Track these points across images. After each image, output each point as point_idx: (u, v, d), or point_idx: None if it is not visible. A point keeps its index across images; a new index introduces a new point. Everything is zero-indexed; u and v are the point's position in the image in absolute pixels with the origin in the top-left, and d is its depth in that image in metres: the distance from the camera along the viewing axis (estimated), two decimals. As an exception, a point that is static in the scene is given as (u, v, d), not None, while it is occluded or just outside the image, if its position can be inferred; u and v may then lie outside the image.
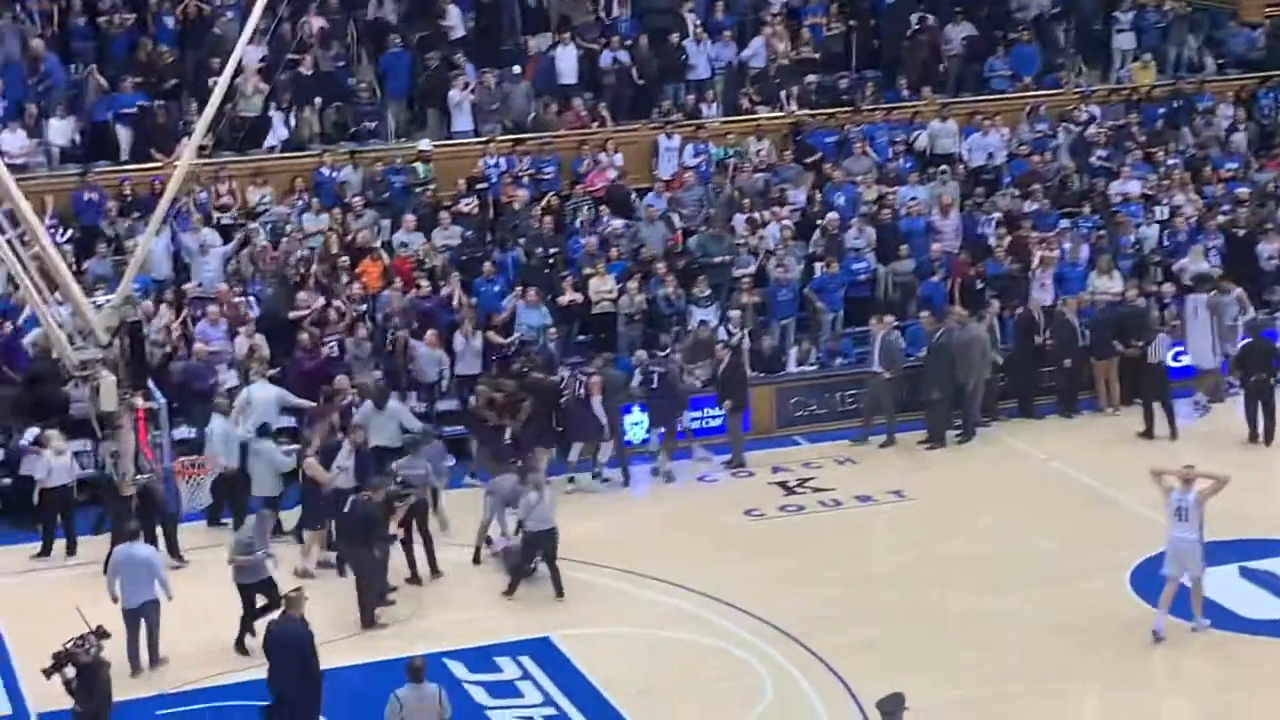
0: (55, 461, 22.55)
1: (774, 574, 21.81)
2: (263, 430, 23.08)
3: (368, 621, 20.36)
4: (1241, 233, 29.72)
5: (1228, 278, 27.90)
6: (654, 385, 25.11)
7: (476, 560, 22.10)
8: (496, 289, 27.12)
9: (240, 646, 19.71)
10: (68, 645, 16.56)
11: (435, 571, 21.85)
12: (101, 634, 16.73)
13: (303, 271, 26.72)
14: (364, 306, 26.37)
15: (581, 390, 24.62)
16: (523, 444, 23.59)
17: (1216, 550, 21.14)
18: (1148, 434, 26.00)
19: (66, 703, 16.73)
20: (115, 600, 19.35)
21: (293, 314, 25.78)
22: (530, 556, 21.25)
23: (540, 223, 28.34)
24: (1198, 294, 27.34)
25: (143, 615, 19.41)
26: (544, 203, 29.06)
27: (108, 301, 22.76)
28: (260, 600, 19.64)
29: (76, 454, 23.84)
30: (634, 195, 29.72)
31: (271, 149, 29.59)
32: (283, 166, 29.14)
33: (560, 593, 21.05)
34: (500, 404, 24.02)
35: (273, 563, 20.24)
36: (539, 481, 21.46)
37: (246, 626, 19.74)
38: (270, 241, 27.39)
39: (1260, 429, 25.67)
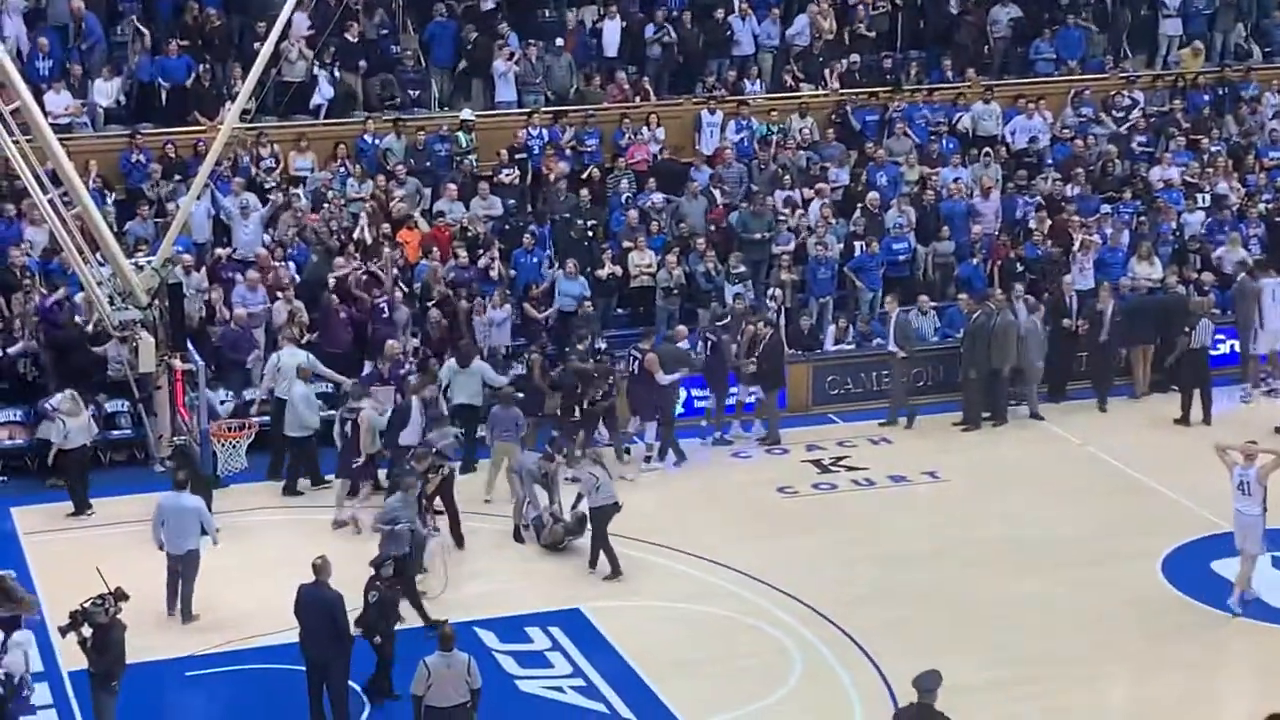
0: (72, 424, 22.62)
1: (806, 551, 21.84)
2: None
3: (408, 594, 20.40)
4: (1283, 222, 29.62)
5: (1270, 265, 27.78)
6: (709, 353, 25.15)
7: (518, 538, 22.11)
8: (535, 260, 27.18)
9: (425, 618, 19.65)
10: (85, 604, 16.66)
11: (459, 544, 21.90)
12: (120, 595, 16.82)
13: (343, 238, 26.82)
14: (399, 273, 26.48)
15: (636, 367, 24.67)
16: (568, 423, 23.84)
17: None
18: (1184, 420, 25.95)
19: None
20: (161, 547, 19.65)
21: (333, 276, 25.87)
22: (589, 529, 21.27)
23: (580, 195, 28.38)
24: (1272, 278, 27.21)
25: (182, 563, 19.73)
26: (585, 174, 29.12)
27: (149, 263, 22.99)
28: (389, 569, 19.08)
29: (110, 415, 24.07)
30: (690, 169, 29.72)
31: (318, 108, 29.63)
32: (326, 133, 29.20)
33: (594, 565, 21.15)
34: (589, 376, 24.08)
35: (425, 533, 20.57)
36: (599, 457, 21.79)
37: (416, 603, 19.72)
38: (311, 207, 27.48)
39: None
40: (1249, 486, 19.87)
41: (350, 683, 17.61)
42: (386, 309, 25.53)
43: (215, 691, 18.63)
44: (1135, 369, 27.24)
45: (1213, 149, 31.58)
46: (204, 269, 26.00)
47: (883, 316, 27.05)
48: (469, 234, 27.33)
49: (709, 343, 25.23)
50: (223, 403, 24.33)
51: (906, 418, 25.96)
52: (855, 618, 19.84)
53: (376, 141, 29.07)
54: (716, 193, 29.27)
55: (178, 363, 23.12)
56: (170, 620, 19.72)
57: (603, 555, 21.12)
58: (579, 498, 21.54)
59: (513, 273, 27.01)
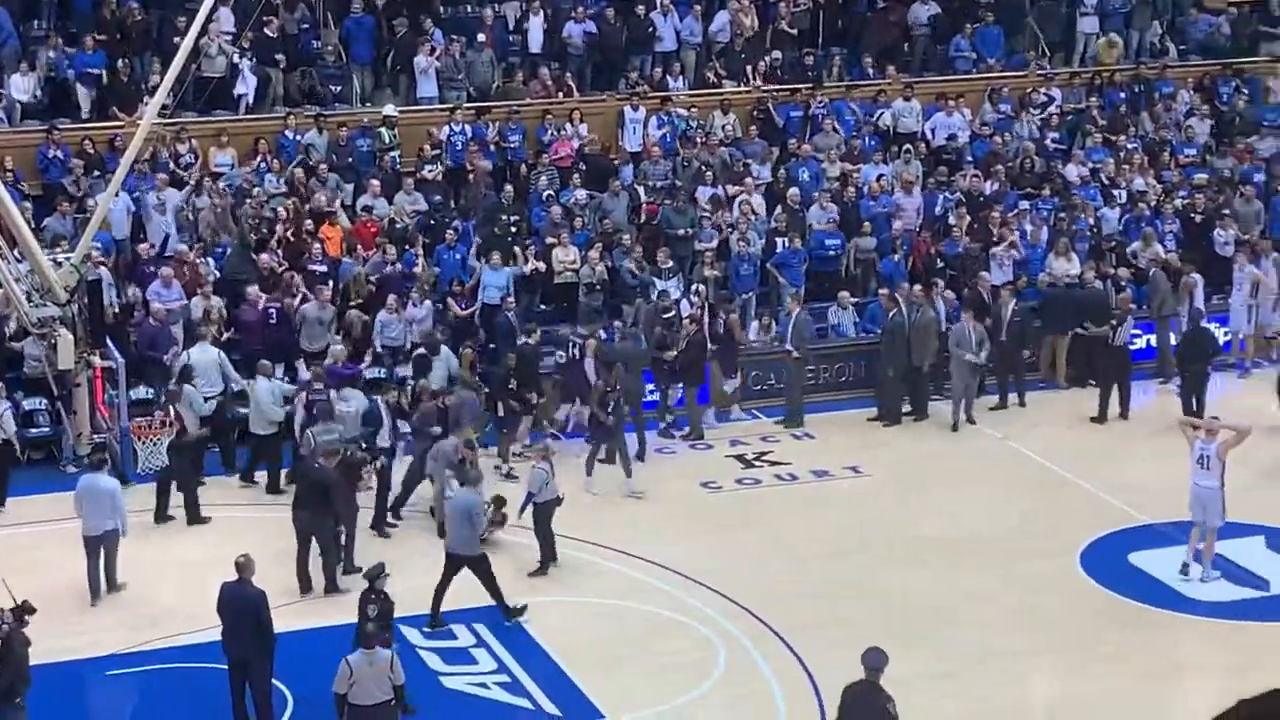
0: None
1: (729, 547, 21.91)
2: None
3: (330, 587, 20.36)
4: (1198, 218, 29.95)
5: (1185, 260, 28.16)
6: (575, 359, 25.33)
7: (442, 534, 22.03)
8: (459, 256, 27.13)
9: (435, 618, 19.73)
10: None
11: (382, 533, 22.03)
12: (25, 609, 16.62)
13: (264, 233, 26.69)
14: (325, 269, 26.38)
15: (577, 351, 24.74)
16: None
17: (1164, 531, 21.51)
18: (1100, 418, 26.12)
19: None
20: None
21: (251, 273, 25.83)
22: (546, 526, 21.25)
23: (503, 191, 28.37)
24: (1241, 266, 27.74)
25: (102, 543, 19.83)
26: (509, 171, 29.16)
27: (67, 259, 22.78)
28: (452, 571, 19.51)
29: (29, 413, 23.85)
30: (614, 165, 29.77)
31: (240, 98, 29.44)
32: (246, 128, 29.05)
33: (555, 559, 21.15)
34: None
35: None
36: (547, 452, 21.73)
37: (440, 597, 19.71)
38: (232, 203, 27.33)
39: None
40: (1208, 461, 20.52)
41: (275, 681, 17.54)
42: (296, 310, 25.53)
43: (137, 691, 18.49)
44: (1055, 361, 27.49)
45: (1129, 146, 31.91)
46: (121, 266, 25.81)
47: (821, 312, 27.24)
48: (397, 228, 27.28)
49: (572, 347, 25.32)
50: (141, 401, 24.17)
51: (790, 414, 25.95)
52: (779, 612, 19.92)
53: (298, 137, 28.93)
54: (641, 189, 29.32)
55: (97, 360, 22.95)
56: (90, 618, 19.57)
57: (541, 549, 21.12)
58: (528, 496, 21.31)
59: (436, 269, 26.97)
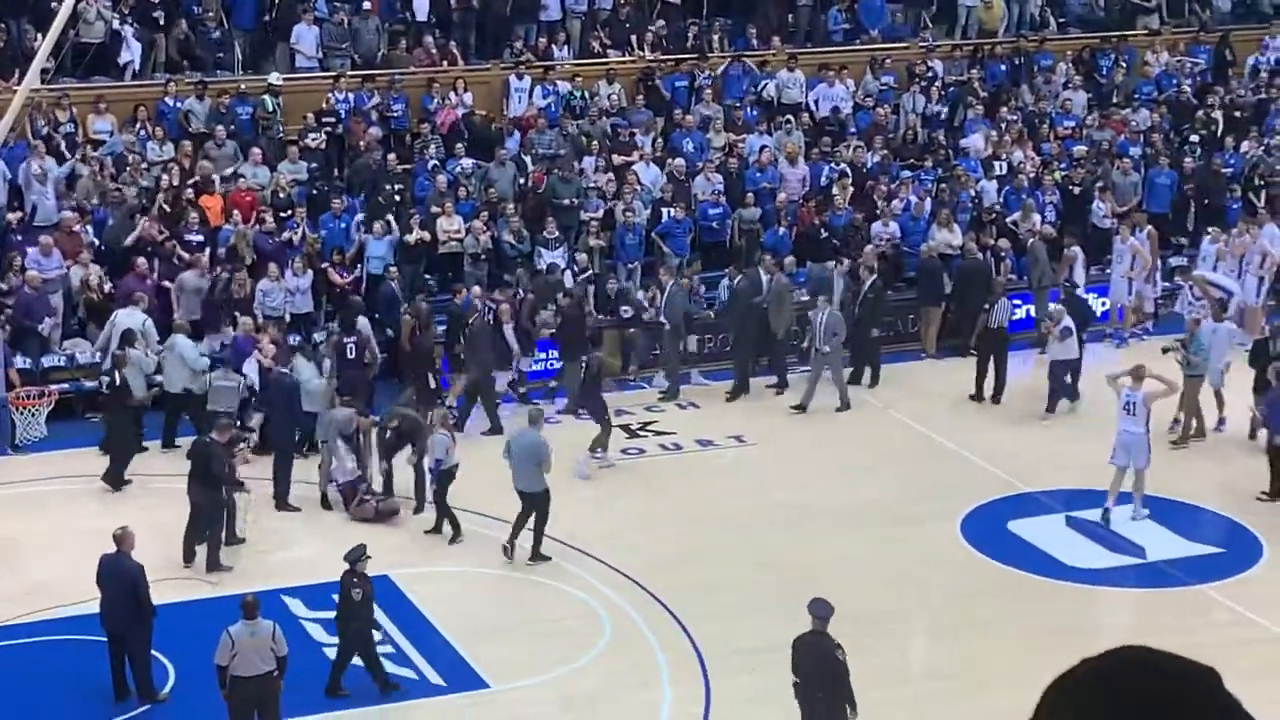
0: None
1: (615, 516, 22.00)
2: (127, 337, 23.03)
3: (212, 564, 20.20)
4: (1077, 190, 30.34)
5: (1066, 233, 28.53)
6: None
7: (325, 504, 21.97)
8: (343, 226, 26.99)
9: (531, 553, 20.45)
10: None
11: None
12: None
13: (144, 202, 26.41)
14: (202, 239, 26.16)
15: (490, 317, 24.71)
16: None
17: (1042, 499, 21.83)
18: (978, 396, 26.06)
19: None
20: None
21: (128, 241, 25.52)
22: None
23: (387, 160, 28.22)
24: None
25: None
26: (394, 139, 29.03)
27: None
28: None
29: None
30: (500, 130, 29.67)
31: (126, 65, 29.05)
32: (126, 95, 28.68)
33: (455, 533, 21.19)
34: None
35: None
36: (447, 419, 21.78)
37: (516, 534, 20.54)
38: (113, 170, 27.00)
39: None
40: (1134, 407, 21.38)
41: (157, 653, 17.44)
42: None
43: (16, 664, 18.30)
44: (926, 329, 27.74)
45: (1009, 118, 32.21)
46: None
47: (712, 280, 27.33)
48: (281, 197, 27.09)
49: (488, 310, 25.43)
50: (21, 369, 23.87)
51: (670, 389, 25.95)
52: (663, 581, 20.03)
53: (178, 104, 28.61)
54: (527, 159, 29.26)
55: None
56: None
57: (442, 517, 21.17)
58: (437, 463, 21.24)
59: (320, 234, 26.80)
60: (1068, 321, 25.02)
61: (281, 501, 21.88)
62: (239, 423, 21.96)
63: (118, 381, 22.35)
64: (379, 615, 18.93)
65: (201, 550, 20.26)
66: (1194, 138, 32.32)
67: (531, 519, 20.49)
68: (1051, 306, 25.99)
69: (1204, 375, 24.26)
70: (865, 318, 26.43)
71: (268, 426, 23.02)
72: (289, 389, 22.58)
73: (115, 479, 22.05)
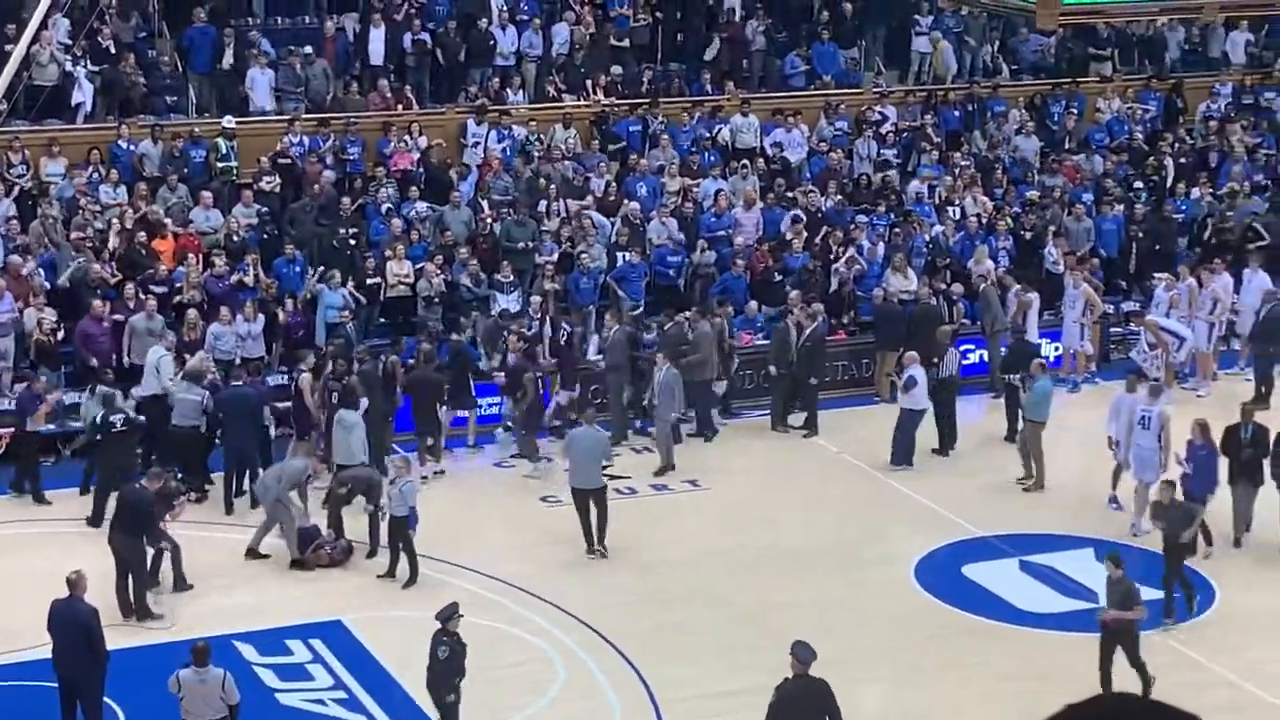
0: None
1: (569, 560, 21.96)
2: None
3: (142, 613, 19.99)
4: (1029, 235, 30.52)
5: (1023, 279, 28.67)
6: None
7: (251, 555, 21.79)
8: (298, 269, 26.94)
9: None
10: None
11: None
12: None
13: (96, 245, 26.33)
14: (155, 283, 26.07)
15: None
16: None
17: (995, 544, 21.89)
18: (942, 450, 26.04)
19: None
20: None
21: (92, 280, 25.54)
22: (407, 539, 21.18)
23: (341, 204, 28.22)
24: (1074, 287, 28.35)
25: None
26: (348, 183, 29.02)
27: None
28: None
29: None
30: (453, 173, 29.68)
31: (78, 106, 28.99)
32: (79, 138, 28.60)
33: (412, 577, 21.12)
34: None
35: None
36: (409, 465, 21.71)
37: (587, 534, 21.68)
38: (65, 214, 26.90)
39: (1019, 428, 25.85)
40: (1149, 422, 22.18)
41: (106, 699, 17.30)
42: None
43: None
44: (880, 373, 27.80)
45: (962, 163, 32.41)
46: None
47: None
48: (234, 241, 27.03)
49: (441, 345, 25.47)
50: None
51: (617, 433, 25.72)
52: (618, 625, 20.00)
53: (132, 147, 28.55)
54: (484, 203, 29.27)
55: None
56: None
57: (405, 560, 21.09)
58: (412, 510, 21.03)
59: (273, 280, 26.74)
60: (912, 371, 24.99)
61: (229, 507, 22.22)
62: (179, 473, 22.06)
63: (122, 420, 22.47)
64: (333, 664, 18.87)
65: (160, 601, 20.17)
66: (1144, 184, 32.58)
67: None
68: (908, 354, 25.71)
69: (1042, 422, 24.21)
70: (803, 366, 26.45)
71: (225, 439, 23.40)
72: (247, 400, 23.26)
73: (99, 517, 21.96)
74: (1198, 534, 21.10)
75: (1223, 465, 22.22)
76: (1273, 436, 22.65)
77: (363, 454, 22.54)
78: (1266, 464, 22.46)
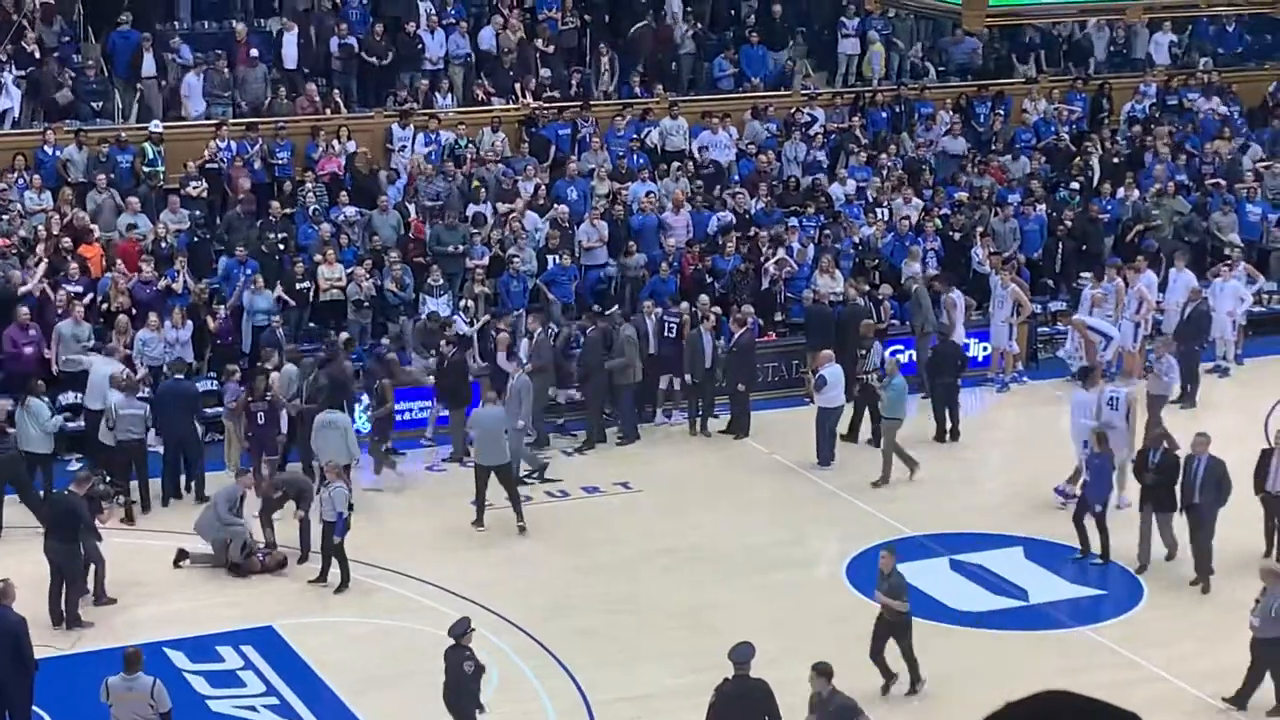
0: None
1: (501, 564, 21.94)
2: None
3: (72, 620, 19.84)
4: (957, 236, 30.70)
5: (944, 279, 28.83)
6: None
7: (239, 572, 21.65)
8: (249, 271, 26.79)
9: None
10: None
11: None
12: None
13: (22, 251, 26.10)
14: (82, 289, 25.86)
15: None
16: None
17: (925, 543, 21.98)
18: (852, 436, 25.98)
19: None
20: None
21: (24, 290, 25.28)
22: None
23: (270, 208, 28.08)
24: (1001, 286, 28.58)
25: None
26: (276, 187, 28.88)
27: None
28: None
29: None
30: (381, 177, 29.55)
31: (5, 112, 28.72)
32: (4, 143, 28.34)
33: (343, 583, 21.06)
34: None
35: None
36: (340, 471, 21.52)
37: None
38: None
39: (948, 428, 26.41)
40: (1117, 403, 23.02)
41: (36, 708, 17.16)
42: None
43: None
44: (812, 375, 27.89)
45: (889, 164, 32.55)
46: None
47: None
48: (164, 246, 26.86)
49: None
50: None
51: (538, 439, 25.66)
52: (550, 629, 20.00)
53: (57, 153, 28.31)
54: (411, 206, 29.18)
55: None
56: None
57: (336, 566, 20.98)
58: (339, 516, 20.90)
59: (202, 286, 26.57)
60: (824, 370, 25.12)
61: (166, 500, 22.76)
62: (106, 476, 21.91)
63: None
64: (265, 670, 18.79)
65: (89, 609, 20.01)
66: (1072, 184, 32.82)
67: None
68: (821, 353, 25.83)
69: (899, 419, 24.50)
70: (733, 371, 26.52)
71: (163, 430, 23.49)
72: (184, 392, 23.79)
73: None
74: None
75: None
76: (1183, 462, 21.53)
77: (357, 452, 23.26)
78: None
